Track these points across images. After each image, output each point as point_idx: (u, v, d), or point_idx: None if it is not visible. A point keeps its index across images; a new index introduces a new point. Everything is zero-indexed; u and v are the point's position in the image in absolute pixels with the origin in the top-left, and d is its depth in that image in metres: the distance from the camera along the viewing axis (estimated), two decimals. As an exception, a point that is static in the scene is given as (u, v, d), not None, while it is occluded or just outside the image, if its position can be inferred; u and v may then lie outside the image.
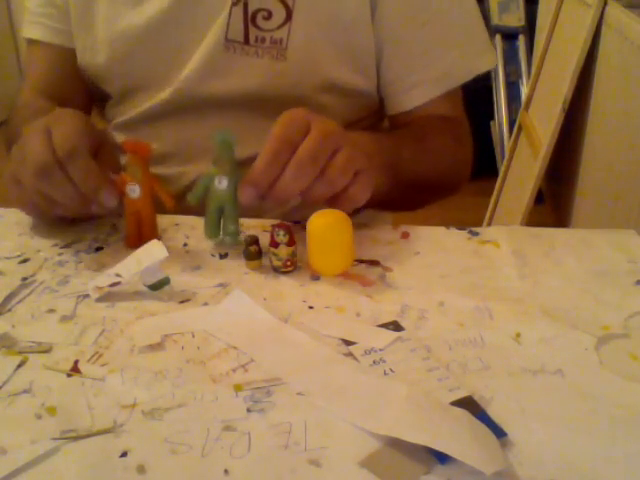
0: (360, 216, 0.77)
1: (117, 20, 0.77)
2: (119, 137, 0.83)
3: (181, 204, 0.62)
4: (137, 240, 0.60)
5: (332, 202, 0.58)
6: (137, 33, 0.76)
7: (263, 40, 0.73)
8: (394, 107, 0.80)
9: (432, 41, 0.76)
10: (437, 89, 0.77)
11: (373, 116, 0.83)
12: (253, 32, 0.73)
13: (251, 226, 0.65)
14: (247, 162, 0.58)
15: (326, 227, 0.55)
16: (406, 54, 0.76)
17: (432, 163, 0.75)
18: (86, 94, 0.86)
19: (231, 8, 0.73)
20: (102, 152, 0.62)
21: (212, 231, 0.62)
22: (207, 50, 0.74)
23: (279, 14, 0.73)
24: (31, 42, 0.86)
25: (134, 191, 0.59)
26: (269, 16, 0.73)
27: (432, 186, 0.77)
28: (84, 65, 0.82)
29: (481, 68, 0.78)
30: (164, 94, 0.77)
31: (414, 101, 0.78)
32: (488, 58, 0.79)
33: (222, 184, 0.59)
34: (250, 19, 0.73)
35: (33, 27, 0.85)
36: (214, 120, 0.76)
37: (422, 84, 0.77)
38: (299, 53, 0.73)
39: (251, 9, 0.72)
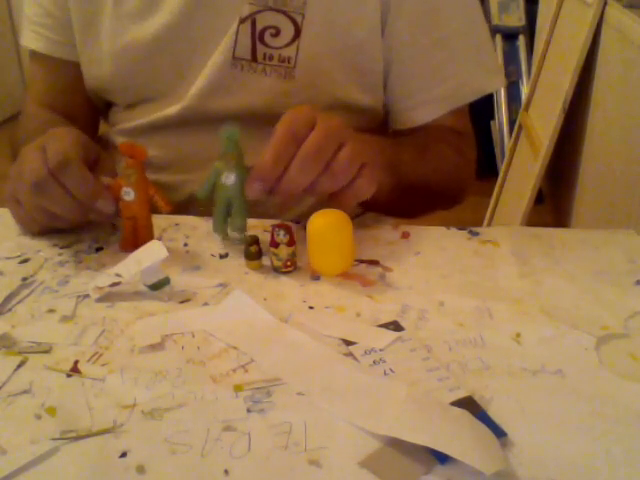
0: (361, 218, 0.77)
1: (122, 34, 0.76)
2: (120, 140, 0.83)
3: (183, 212, 0.62)
4: (132, 245, 0.59)
5: (337, 195, 0.58)
6: (142, 47, 0.75)
7: (271, 58, 0.72)
8: (400, 123, 0.79)
9: (441, 61, 0.76)
10: (443, 108, 0.77)
11: (377, 128, 0.82)
12: (261, 49, 0.72)
13: (251, 226, 0.65)
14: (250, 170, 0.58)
15: (326, 227, 0.55)
16: (414, 72, 0.76)
17: (432, 169, 0.75)
18: (90, 105, 0.86)
19: (239, 25, 0.72)
20: (100, 164, 0.62)
21: (219, 226, 0.62)
22: (215, 67, 0.73)
23: (287, 31, 0.71)
24: (32, 53, 0.86)
25: (128, 194, 0.59)
26: (277, 33, 0.72)
27: (432, 193, 0.76)
28: (89, 76, 0.81)
29: (488, 88, 0.78)
30: (172, 110, 0.76)
31: (420, 119, 0.77)
32: (496, 79, 0.79)
33: (229, 180, 0.59)
34: (258, 36, 0.72)
35: (30, 36, 0.84)
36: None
37: (429, 102, 0.77)
38: (307, 72, 0.73)
39: (259, 26, 0.71)
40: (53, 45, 0.83)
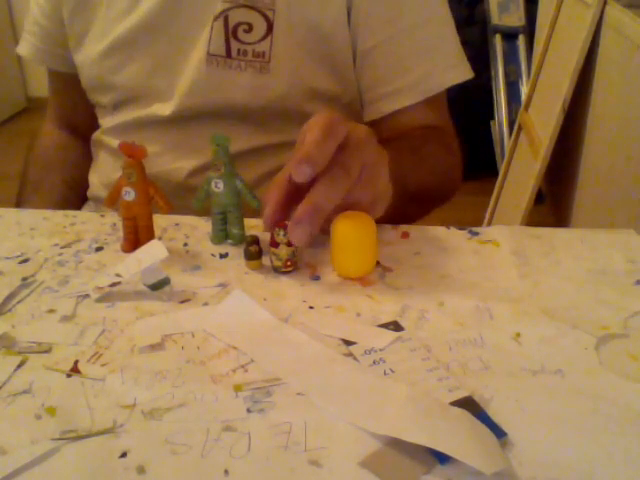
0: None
1: (108, 34, 0.79)
2: (111, 141, 0.84)
3: (175, 201, 0.62)
4: (133, 245, 0.60)
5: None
6: (123, 42, 0.78)
7: (245, 53, 0.74)
8: (368, 115, 0.80)
9: (404, 52, 0.76)
10: (408, 99, 0.77)
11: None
12: (235, 45, 0.74)
13: (251, 226, 0.65)
14: (234, 157, 0.59)
15: (351, 229, 0.55)
16: (378, 63, 0.77)
17: (429, 173, 0.75)
18: (93, 115, 0.90)
19: (212, 23, 0.73)
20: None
21: (215, 235, 0.62)
22: (193, 66, 0.75)
23: (260, 27, 0.73)
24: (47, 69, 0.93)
25: (129, 194, 0.59)
26: (250, 29, 0.73)
27: (430, 196, 0.77)
28: (81, 79, 0.85)
29: (453, 80, 0.78)
30: (164, 110, 0.78)
31: (385, 110, 0.78)
32: (461, 71, 0.79)
33: (218, 187, 0.60)
34: (231, 33, 0.73)
35: (21, 42, 0.90)
36: (204, 126, 0.78)
37: (393, 94, 0.77)
38: (282, 65, 0.74)
39: (232, 23, 0.73)
40: (38, 52, 0.89)
